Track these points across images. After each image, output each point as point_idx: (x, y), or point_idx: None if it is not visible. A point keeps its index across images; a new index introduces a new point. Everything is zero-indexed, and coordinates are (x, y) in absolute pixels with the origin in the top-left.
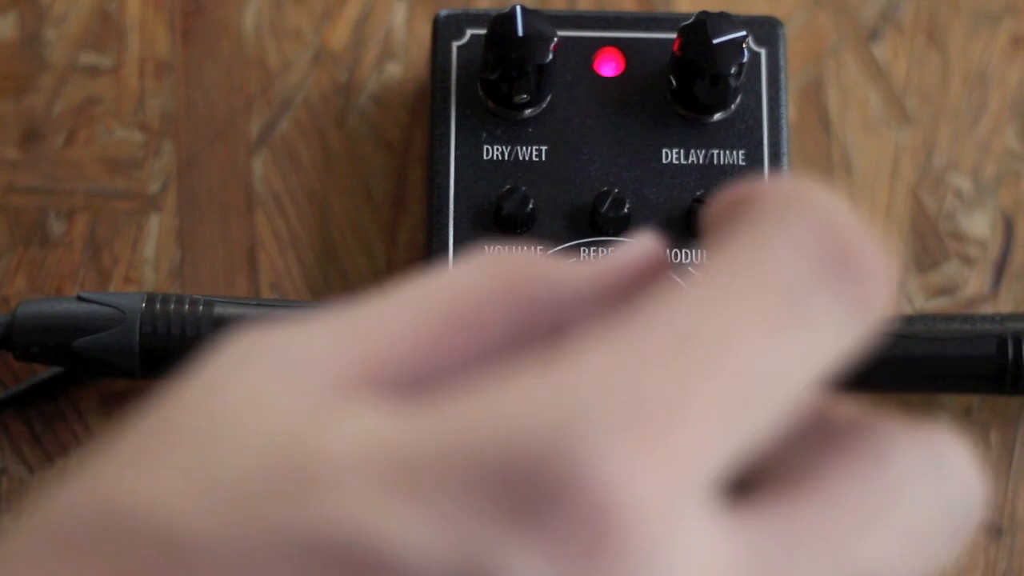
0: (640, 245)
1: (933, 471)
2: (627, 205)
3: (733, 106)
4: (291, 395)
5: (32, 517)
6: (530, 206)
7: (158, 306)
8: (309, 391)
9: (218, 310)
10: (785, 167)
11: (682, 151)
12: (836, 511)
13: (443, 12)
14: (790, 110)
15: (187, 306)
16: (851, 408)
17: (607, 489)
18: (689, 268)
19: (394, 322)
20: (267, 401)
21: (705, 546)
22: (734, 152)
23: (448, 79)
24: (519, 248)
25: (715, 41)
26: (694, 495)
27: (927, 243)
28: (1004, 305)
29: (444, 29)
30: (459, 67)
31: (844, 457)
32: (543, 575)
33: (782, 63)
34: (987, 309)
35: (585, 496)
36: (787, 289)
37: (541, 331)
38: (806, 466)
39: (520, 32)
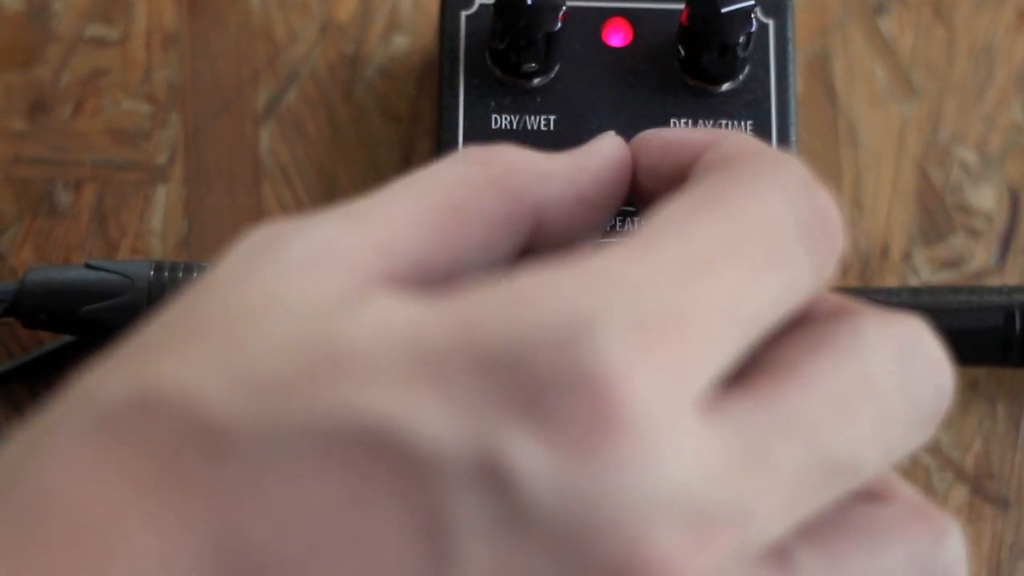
0: (610, 144)
1: (906, 360)
2: None
3: (741, 76)
4: (314, 285)
5: (68, 399)
6: None
7: (166, 274)
8: (331, 281)
9: None
10: (793, 138)
11: (690, 121)
12: (812, 399)
13: None
14: (796, 83)
15: (195, 274)
16: (832, 298)
17: (613, 386)
18: None
19: (399, 214)
20: (291, 292)
21: (695, 442)
22: (742, 123)
23: (456, 48)
24: (499, 144)
25: (723, 11)
26: (687, 398)
27: (933, 216)
28: (1010, 278)
29: None
30: (467, 36)
31: (821, 349)
32: (542, 462)
33: (790, 34)
34: (993, 281)
35: (592, 390)
36: (778, 236)
37: (526, 222)
38: (785, 358)
39: (529, 0)
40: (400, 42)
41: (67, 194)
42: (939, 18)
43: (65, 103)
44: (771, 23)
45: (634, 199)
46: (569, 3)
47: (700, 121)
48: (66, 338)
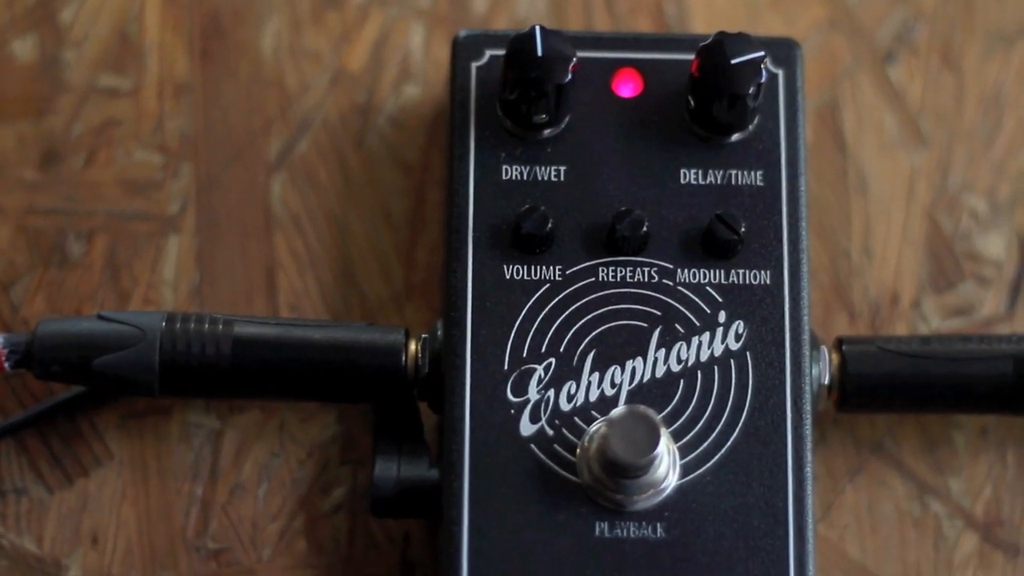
0: None
1: None
2: (645, 225)
3: (751, 127)
4: None
5: None
6: (549, 226)
7: (178, 325)
8: None
9: (238, 329)
10: (802, 188)
11: (700, 171)
12: None
13: (463, 33)
14: (806, 132)
15: (207, 325)
16: None
17: None
18: (707, 287)
19: None
20: None
21: None
22: (752, 172)
23: (467, 99)
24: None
25: (733, 62)
26: None
27: (943, 264)
28: (1020, 325)
29: (463, 50)
30: (478, 87)
31: None
32: None
33: (799, 84)
34: (1003, 330)
35: None
36: None
37: None
38: None
39: (539, 52)
40: (411, 91)
41: (79, 244)
42: (948, 66)
43: (77, 153)
44: (781, 73)
45: None
46: (580, 54)
47: (710, 171)
48: (78, 388)
